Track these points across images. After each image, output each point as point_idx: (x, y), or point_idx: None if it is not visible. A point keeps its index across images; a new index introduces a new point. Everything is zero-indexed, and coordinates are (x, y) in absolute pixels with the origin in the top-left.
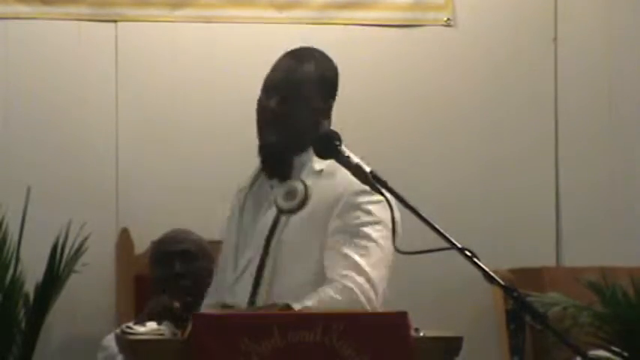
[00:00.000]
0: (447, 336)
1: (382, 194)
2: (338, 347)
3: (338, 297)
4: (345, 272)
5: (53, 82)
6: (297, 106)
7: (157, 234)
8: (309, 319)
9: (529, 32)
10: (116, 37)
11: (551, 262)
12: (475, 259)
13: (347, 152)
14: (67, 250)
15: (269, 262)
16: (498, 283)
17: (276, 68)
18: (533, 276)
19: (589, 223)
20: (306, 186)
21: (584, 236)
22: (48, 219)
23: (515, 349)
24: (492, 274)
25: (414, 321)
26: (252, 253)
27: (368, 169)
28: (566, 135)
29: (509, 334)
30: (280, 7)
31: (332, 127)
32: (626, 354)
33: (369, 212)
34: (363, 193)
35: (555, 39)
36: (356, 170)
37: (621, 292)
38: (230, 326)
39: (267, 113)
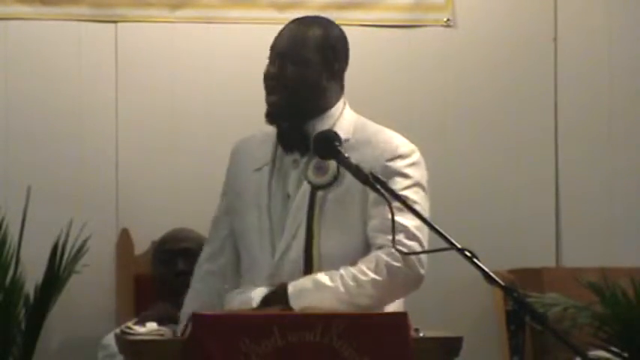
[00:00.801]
0: (447, 336)
1: (382, 195)
2: (338, 347)
3: (395, 263)
4: (396, 237)
5: (53, 82)
6: (297, 68)
7: (157, 234)
8: (308, 319)
9: (529, 32)
10: (116, 37)
11: (551, 263)
12: (475, 260)
13: (347, 153)
14: (67, 251)
15: (315, 242)
16: (498, 284)
17: (279, 35)
18: (533, 276)
19: (589, 223)
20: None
21: (584, 237)
22: (48, 219)
23: (515, 349)
24: (492, 274)
25: (414, 321)
26: (290, 236)
27: (394, 142)
28: (566, 135)
29: (509, 334)
30: (280, 8)
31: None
32: (626, 354)
33: (406, 176)
34: (398, 158)
35: (555, 39)
36: (356, 171)
37: (621, 292)
38: (230, 326)
39: (268, 78)
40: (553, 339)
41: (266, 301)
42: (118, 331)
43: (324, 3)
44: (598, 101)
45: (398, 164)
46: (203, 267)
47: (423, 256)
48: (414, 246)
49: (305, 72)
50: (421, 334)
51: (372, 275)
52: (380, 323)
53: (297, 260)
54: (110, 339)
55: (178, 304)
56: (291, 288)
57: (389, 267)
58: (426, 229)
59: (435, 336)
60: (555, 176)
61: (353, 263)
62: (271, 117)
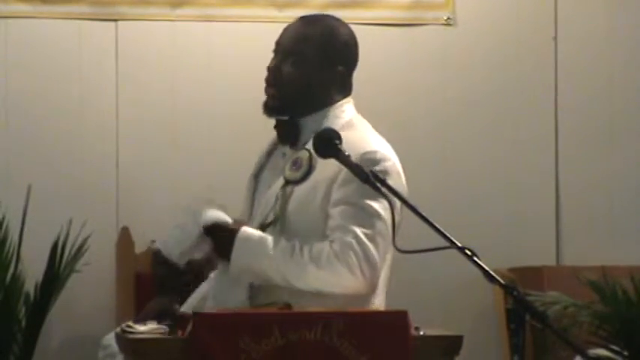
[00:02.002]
0: (448, 335)
1: (382, 194)
2: (338, 346)
3: (335, 258)
4: (346, 239)
5: (54, 80)
6: (294, 64)
7: (157, 233)
8: (309, 317)
9: (529, 31)
10: (116, 36)
11: (551, 261)
12: (475, 258)
13: (347, 151)
14: (67, 249)
15: (275, 235)
16: (498, 282)
17: (285, 29)
18: (533, 275)
19: (589, 222)
20: (311, 155)
21: (584, 235)
22: (48, 218)
23: (516, 347)
24: (492, 273)
25: (414, 320)
26: (259, 225)
27: (368, 149)
28: (566, 133)
29: (509, 332)
30: (280, 6)
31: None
32: (625, 352)
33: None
34: (367, 161)
35: (555, 38)
36: (356, 169)
37: (621, 290)
38: (230, 325)
39: (268, 71)
40: (553, 337)
41: (212, 228)
42: (118, 330)
43: (324, 2)
44: (598, 101)
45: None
46: None
47: (366, 267)
48: (359, 252)
49: (300, 69)
50: (421, 333)
51: (307, 259)
52: (380, 322)
53: None
54: (110, 339)
55: (180, 301)
56: (242, 233)
57: (329, 259)
58: (379, 238)
59: (436, 334)
60: (555, 175)
61: None
62: (266, 109)
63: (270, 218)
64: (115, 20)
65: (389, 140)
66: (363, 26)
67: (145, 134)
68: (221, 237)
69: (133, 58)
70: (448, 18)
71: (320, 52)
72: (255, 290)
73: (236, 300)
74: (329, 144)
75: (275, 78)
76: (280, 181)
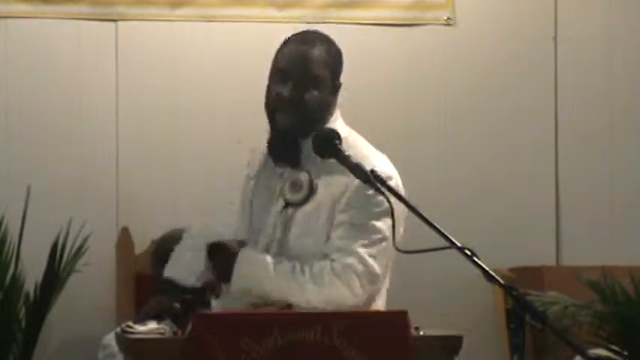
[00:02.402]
0: (448, 335)
1: (383, 193)
2: (338, 346)
3: (335, 277)
4: (348, 260)
5: (53, 80)
6: (311, 90)
7: (157, 233)
8: (309, 318)
9: (529, 31)
10: (116, 36)
11: (551, 262)
12: (475, 258)
13: (347, 151)
14: (67, 249)
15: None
16: (498, 282)
17: (285, 55)
18: (533, 275)
19: (589, 222)
20: (310, 177)
21: (584, 235)
22: (48, 218)
23: (516, 347)
24: (492, 273)
25: (414, 320)
26: (262, 249)
27: (368, 168)
28: (567, 133)
29: (509, 332)
30: (280, 7)
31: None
32: (625, 353)
33: (376, 204)
34: (370, 182)
35: (555, 38)
36: (356, 169)
37: (621, 291)
38: (230, 325)
39: (280, 101)
40: (553, 337)
41: (214, 247)
42: (118, 329)
43: (323, 2)
44: (598, 101)
45: (369, 191)
46: None
47: (368, 285)
48: (357, 273)
49: (320, 93)
50: (421, 333)
51: (308, 277)
52: (380, 322)
53: None
54: (110, 339)
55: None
56: (242, 254)
57: (330, 277)
58: (385, 259)
59: (436, 334)
60: (555, 175)
61: None
62: (285, 134)
63: (272, 241)
64: (115, 20)
65: (387, 141)
66: (363, 26)
67: (144, 134)
68: (222, 258)
69: (132, 58)
70: (448, 18)
71: (332, 73)
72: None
73: None
74: (329, 144)
75: (293, 107)
76: (280, 203)
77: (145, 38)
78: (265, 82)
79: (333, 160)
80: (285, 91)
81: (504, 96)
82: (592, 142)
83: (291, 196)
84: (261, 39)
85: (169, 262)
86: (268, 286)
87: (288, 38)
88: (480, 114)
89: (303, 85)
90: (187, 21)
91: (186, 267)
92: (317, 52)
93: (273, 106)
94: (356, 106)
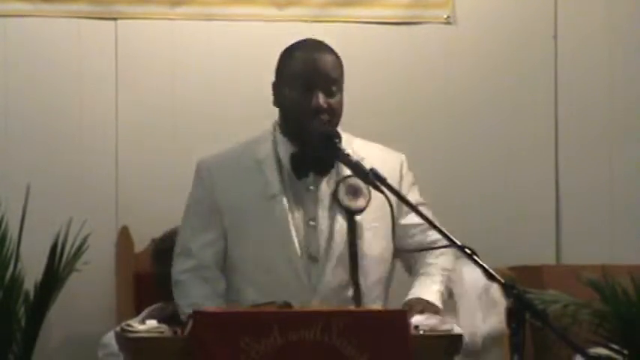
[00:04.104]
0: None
1: (382, 192)
2: (338, 345)
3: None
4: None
5: (53, 79)
6: (339, 96)
7: (157, 232)
8: (308, 317)
9: (529, 30)
10: (116, 34)
11: (551, 260)
12: (475, 257)
13: (347, 150)
14: (67, 249)
15: (360, 264)
16: (498, 281)
17: (301, 62)
18: (533, 274)
19: (589, 220)
20: (367, 180)
21: (584, 234)
22: (48, 217)
23: (515, 346)
24: (492, 271)
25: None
26: (329, 262)
27: (368, 167)
28: (567, 131)
29: (509, 331)
30: (280, 5)
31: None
32: (625, 351)
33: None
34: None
35: (555, 37)
36: (356, 168)
37: (621, 289)
38: (230, 324)
39: (314, 110)
40: (553, 336)
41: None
42: (117, 329)
43: (324, 0)
44: (598, 98)
45: (409, 173)
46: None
47: None
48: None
49: (341, 96)
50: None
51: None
52: (380, 321)
53: (339, 282)
54: (110, 338)
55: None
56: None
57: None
58: None
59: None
60: (555, 173)
61: (380, 284)
62: (324, 141)
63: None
64: (115, 19)
65: (387, 140)
66: (363, 25)
67: (144, 133)
68: None
69: (132, 57)
70: (448, 17)
71: (343, 75)
72: None
73: None
74: (329, 143)
75: (330, 114)
76: (333, 213)
77: (145, 37)
78: (265, 79)
79: (363, 156)
80: (313, 101)
81: (504, 95)
82: (592, 142)
83: (354, 203)
84: (261, 38)
85: None
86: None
87: (294, 45)
88: (479, 113)
89: (332, 94)
90: (187, 19)
91: None
92: (331, 58)
93: (302, 116)
94: (355, 107)
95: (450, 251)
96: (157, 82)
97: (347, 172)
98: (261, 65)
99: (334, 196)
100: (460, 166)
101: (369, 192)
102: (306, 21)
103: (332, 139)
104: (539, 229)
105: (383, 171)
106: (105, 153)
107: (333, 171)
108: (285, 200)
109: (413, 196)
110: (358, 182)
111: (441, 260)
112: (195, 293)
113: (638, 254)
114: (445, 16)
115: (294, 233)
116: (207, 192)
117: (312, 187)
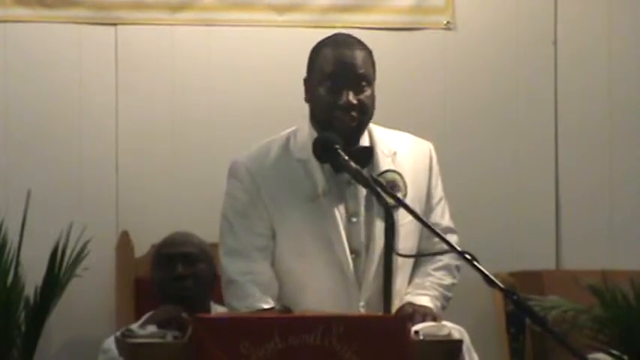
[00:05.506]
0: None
1: (382, 199)
2: (338, 350)
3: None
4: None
5: (53, 85)
6: (369, 91)
7: (157, 237)
8: (309, 322)
9: (529, 35)
10: (116, 40)
11: (551, 266)
12: (475, 263)
13: (346, 156)
14: (67, 254)
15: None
16: (498, 287)
17: (331, 59)
18: (533, 279)
19: (589, 226)
20: (400, 174)
21: (584, 239)
22: (48, 222)
23: (516, 352)
24: (492, 277)
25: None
26: (368, 260)
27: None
28: (566, 137)
29: (509, 337)
30: (280, 11)
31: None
32: (625, 357)
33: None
34: (370, 188)
35: (555, 42)
36: (356, 174)
37: (621, 295)
38: (231, 329)
39: (344, 108)
40: (553, 342)
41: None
42: (118, 334)
43: (324, 6)
44: (598, 103)
45: (435, 164)
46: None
47: None
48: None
49: (372, 92)
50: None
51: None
52: (380, 326)
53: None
54: (110, 343)
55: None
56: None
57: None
58: None
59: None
60: (555, 178)
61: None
62: (352, 137)
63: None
64: (115, 24)
65: None
66: (363, 30)
67: (144, 138)
68: None
69: (132, 62)
70: (448, 22)
71: (374, 70)
72: None
73: None
74: (329, 149)
75: (360, 111)
76: (371, 207)
77: (145, 42)
78: (266, 85)
79: (394, 152)
80: (343, 98)
81: (504, 100)
82: (592, 147)
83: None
84: (261, 43)
85: None
86: None
87: (324, 41)
88: (479, 118)
89: (362, 91)
90: (187, 25)
91: None
92: (362, 54)
93: (329, 113)
94: None
95: (451, 265)
96: (157, 88)
97: (384, 164)
98: (260, 70)
99: (373, 191)
100: (459, 171)
101: (405, 187)
102: (305, 27)
103: (332, 145)
104: (539, 235)
105: (415, 162)
106: (105, 158)
107: (371, 164)
108: (331, 199)
109: (438, 190)
110: (395, 176)
111: (438, 275)
112: (252, 296)
113: (638, 260)
114: (445, 22)
115: (342, 231)
116: (252, 194)
117: (352, 182)
